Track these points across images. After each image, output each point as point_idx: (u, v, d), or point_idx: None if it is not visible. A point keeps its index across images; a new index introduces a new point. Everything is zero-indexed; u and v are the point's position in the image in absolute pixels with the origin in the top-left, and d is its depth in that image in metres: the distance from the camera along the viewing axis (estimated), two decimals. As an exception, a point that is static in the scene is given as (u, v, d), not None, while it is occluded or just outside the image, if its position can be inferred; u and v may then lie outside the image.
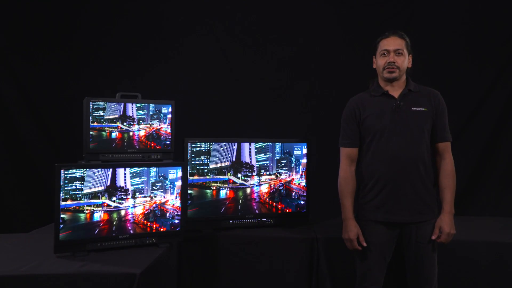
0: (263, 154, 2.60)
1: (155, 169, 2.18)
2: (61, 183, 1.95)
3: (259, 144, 2.60)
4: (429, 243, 2.00)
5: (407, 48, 2.05)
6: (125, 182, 2.11)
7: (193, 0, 3.54)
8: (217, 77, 3.52)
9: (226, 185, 2.53)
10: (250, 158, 2.58)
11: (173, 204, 2.22)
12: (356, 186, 2.10)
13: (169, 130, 2.48)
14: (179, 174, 2.24)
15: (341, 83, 3.37)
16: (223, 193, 2.53)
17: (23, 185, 3.46)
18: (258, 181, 2.59)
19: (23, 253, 2.00)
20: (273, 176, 2.62)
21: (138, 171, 2.14)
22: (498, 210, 3.35)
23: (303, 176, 2.66)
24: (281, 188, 2.63)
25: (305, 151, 2.67)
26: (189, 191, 2.46)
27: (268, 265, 2.40)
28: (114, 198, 2.08)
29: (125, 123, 2.38)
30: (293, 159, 2.65)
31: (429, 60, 3.32)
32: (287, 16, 3.52)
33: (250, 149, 2.58)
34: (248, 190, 2.58)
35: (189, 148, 2.47)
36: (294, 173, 2.65)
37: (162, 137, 2.47)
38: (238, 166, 2.55)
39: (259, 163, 2.59)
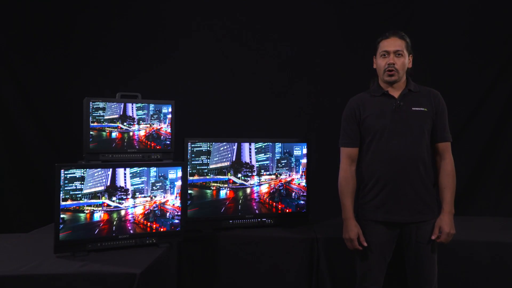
0: (263, 154, 2.60)
1: (155, 169, 2.18)
2: (61, 183, 1.96)
3: (259, 144, 2.60)
4: (429, 243, 2.00)
5: (407, 49, 2.05)
6: (125, 182, 2.11)
7: (193, 0, 3.54)
8: (217, 77, 3.52)
9: (226, 185, 2.53)
10: (250, 158, 2.58)
11: (173, 204, 2.22)
12: (356, 186, 2.10)
13: (169, 130, 2.48)
14: (179, 174, 2.24)
15: (341, 83, 3.37)
16: (223, 193, 2.53)
17: (23, 185, 3.46)
18: (258, 181, 2.59)
19: (23, 253, 2.01)
20: (273, 176, 2.62)
21: (138, 171, 2.14)
22: (498, 210, 3.35)
23: (303, 176, 2.66)
24: (281, 188, 2.63)
25: (305, 151, 2.67)
26: (189, 191, 2.46)
27: (268, 265, 2.40)
28: (114, 198, 2.08)
29: (125, 123, 2.38)
30: (293, 159, 2.65)
31: (429, 60, 3.32)
32: (287, 16, 3.52)
33: (250, 149, 2.58)
34: (248, 190, 2.58)
35: (189, 148, 2.47)
36: (294, 173, 2.65)
37: (162, 137, 2.47)
38: (238, 166, 2.56)
39: (259, 163, 2.59)
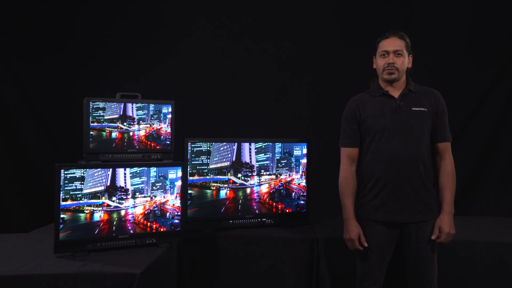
0: (263, 154, 2.60)
1: (155, 169, 2.18)
2: (61, 183, 1.96)
3: (259, 144, 2.60)
4: (429, 243, 2.00)
5: (407, 49, 2.05)
6: (125, 182, 2.11)
7: (193, 0, 3.54)
8: (217, 77, 3.52)
9: (226, 185, 2.53)
10: (250, 158, 2.58)
11: (173, 204, 2.22)
12: (356, 186, 2.10)
13: (169, 130, 2.48)
14: (179, 174, 2.24)
15: (341, 83, 3.37)
16: (223, 193, 2.53)
17: (23, 185, 3.46)
18: (258, 181, 2.59)
19: (23, 253, 2.00)
20: (273, 176, 2.62)
21: (138, 171, 2.14)
22: (498, 210, 3.35)
23: (303, 176, 2.66)
24: (281, 188, 2.63)
25: (305, 151, 2.67)
26: (189, 191, 2.46)
27: (268, 265, 2.40)
28: (114, 198, 2.08)
29: (125, 123, 2.38)
30: (293, 159, 2.65)
31: (429, 60, 3.32)
32: (287, 16, 3.52)
33: (250, 149, 2.58)
34: (248, 190, 2.58)
35: (189, 148, 2.47)
36: (294, 173, 2.65)
37: (162, 137, 2.47)
38: (238, 166, 2.56)
39: (259, 163, 2.59)
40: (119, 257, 1.95)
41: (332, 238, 2.38)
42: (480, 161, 3.39)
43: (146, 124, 2.43)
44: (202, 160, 2.49)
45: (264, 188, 2.61)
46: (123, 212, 2.10)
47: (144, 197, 2.16)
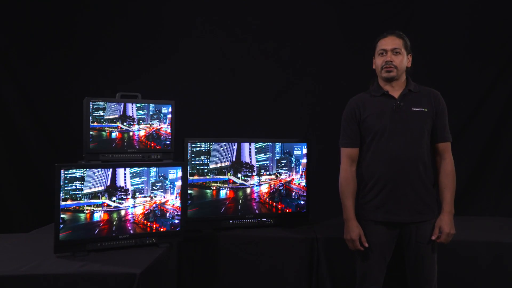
0: (263, 154, 2.60)
1: (155, 169, 2.18)
2: (61, 183, 1.96)
3: (259, 144, 2.60)
4: (429, 243, 2.00)
5: (405, 48, 2.05)
6: (125, 182, 2.11)
7: (194, 0, 3.54)
8: (217, 77, 3.52)
9: (226, 185, 2.53)
10: (250, 158, 2.58)
11: (173, 204, 2.22)
12: (356, 186, 2.10)
13: (169, 130, 2.48)
14: (179, 174, 2.24)
15: (341, 83, 3.37)
16: (223, 193, 2.53)
17: (23, 185, 3.46)
18: (258, 181, 2.59)
19: (23, 253, 2.00)
20: (273, 176, 2.62)
21: (138, 171, 2.14)
22: (498, 210, 3.35)
23: (303, 176, 2.66)
24: (281, 188, 2.63)
25: (305, 151, 2.67)
26: (189, 191, 2.46)
27: (268, 265, 2.40)
28: (114, 198, 2.08)
29: (125, 123, 2.38)
30: (293, 159, 2.65)
31: (429, 60, 3.32)
32: (287, 16, 3.52)
33: (250, 149, 2.58)
34: (248, 190, 2.58)
35: (189, 148, 2.47)
36: (294, 173, 2.65)
37: (162, 137, 2.47)
38: (238, 166, 2.55)
39: (259, 163, 2.59)
40: (119, 257, 1.95)
41: (332, 238, 2.38)
42: (480, 161, 3.39)
43: (146, 124, 2.43)
44: (202, 160, 2.49)
45: (264, 188, 2.61)
46: (123, 212, 2.10)
47: (144, 197, 2.16)
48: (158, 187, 2.19)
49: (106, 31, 3.51)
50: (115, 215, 2.08)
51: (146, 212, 2.16)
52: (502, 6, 3.35)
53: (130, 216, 2.12)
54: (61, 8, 3.48)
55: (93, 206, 2.03)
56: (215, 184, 2.52)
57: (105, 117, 2.33)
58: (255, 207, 2.59)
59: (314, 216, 2.77)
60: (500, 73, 3.37)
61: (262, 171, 2.60)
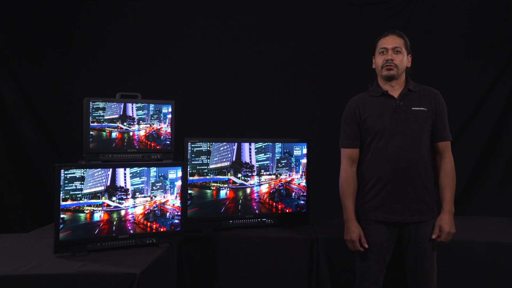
0: (263, 154, 2.60)
1: (155, 169, 2.18)
2: (61, 183, 1.96)
3: (259, 144, 2.60)
4: (428, 243, 2.00)
5: (405, 47, 2.05)
6: (125, 182, 2.11)
7: (193, 0, 3.54)
8: (217, 77, 3.52)
9: (226, 185, 2.53)
10: (250, 158, 2.58)
11: (173, 204, 2.22)
12: (357, 186, 2.10)
13: (169, 130, 2.48)
14: (179, 174, 2.24)
15: (341, 83, 3.37)
16: (223, 193, 2.53)
17: (23, 185, 3.46)
18: (258, 181, 2.59)
19: (23, 253, 2.00)
20: (273, 176, 2.62)
21: (138, 171, 2.14)
22: (498, 210, 3.35)
23: (303, 176, 2.66)
24: (281, 188, 2.63)
25: (305, 151, 2.67)
26: (189, 191, 2.46)
27: (268, 265, 2.40)
28: (114, 198, 2.08)
29: (125, 123, 2.38)
30: (293, 159, 2.65)
31: (429, 60, 3.32)
32: (287, 16, 3.52)
33: (250, 149, 2.58)
34: (248, 190, 2.58)
35: (189, 148, 2.47)
36: (294, 173, 2.65)
37: (162, 137, 2.47)
38: (238, 166, 2.55)
39: (259, 163, 2.59)
40: (119, 257, 1.95)
41: (332, 238, 2.38)
42: (480, 161, 3.39)
43: (146, 124, 2.43)
44: (202, 160, 2.49)
45: (264, 188, 2.61)
46: (123, 212, 2.10)
47: (144, 197, 2.16)
48: (158, 187, 2.19)
49: (106, 31, 3.51)
50: (115, 215, 2.08)
51: (146, 212, 2.16)
52: (502, 6, 3.35)
53: (130, 216, 2.12)
54: (61, 8, 3.48)
55: (93, 206, 2.03)
56: (215, 184, 2.52)
57: (105, 117, 2.33)
58: (255, 207, 2.59)
59: (314, 216, 2.77)
60: (500, 73, 3.37)
61: (262, 171, 2.60)
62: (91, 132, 2.29)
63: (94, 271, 1.78)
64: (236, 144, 2.55)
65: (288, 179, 2.65)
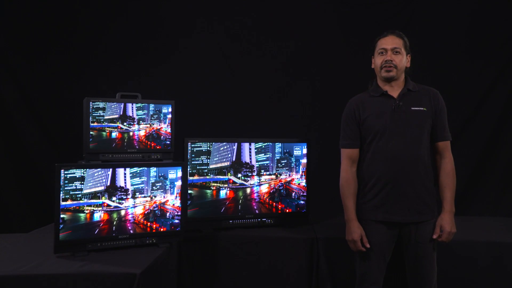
0: (263, 154, 2.60)
1: (155, 169, 2.18)
2: (61, 183, 1.96)
3: (259, 144, 2.60)
4: (429, 243, 2.00)
5: (405, 48, 2.05)
6: (125, 182, 2.11)
7: (193, 0, 3.54)
8: (217, 77, 3.53)
9: (226, 185, 2.53)
10: (250, 158, 2.58)
11: (173, 204, 2.22)
12: (357, 186, 2.10)
13: (169, 130, 2.48)
14: (179, 174, 2.24)
15: (341, 83, 3.37)
16: (223, 193, 2.53)
17: (23, 185, 3.46)
18: (258, 181, 2.59)
19: (23, 253, 2.00)
20: (273, 176, 2.62)
21: (138, 171, 2.14)
22: (498, 210, 3.35)
23: (303, 176, 2.66)
24: (281, 188, 2.63)
25: (305, 151, 2.67)
26: (189, 191, 2.46)
27: (268, 265, 2.40)
28: (114, 198, 2.08)
29: (125, 123, 2.38)
30: (293, 159, 2.65)
31: (429, 60, 3.32)
32: (287, 16, 3.52)
33: (250, 149, 2.58)
34: (248, 190, 2.58)
35: (189, 148, 2.47)
36: (294, 173, 2.65)
37: (162, 137, 2.47)
38: (238, 166, 2.55)
39: (259, 163, 2.59)
40: (119, 257, 1.95)
41: (332, 238, 2.38)
42: (480, 161, 3.40)
43: (146, 124, 2.43)
44: (202, 160, 2.49)
45: (264, 188, 2.61)
46: (123, 212, 2.10)
47: (144, 197, 2.16)
48: (158, 187, 2.19)
49: (106, 31, 3.51)
50: (115, 215, 2.08)
51: (146, 212, 2.16)
52: (502, 6, 3.35)
53: (130, 216, 2.12)
54: (61, 8, 3.48)
55: (93, 206, 2.03)
56: (215, 184, 2.52)
57: (105, 117, 2.33)
58: (255, 207, 2.59)
59: (314, 216, 2.77)
60: (500, 73, 3.37)
61: (262, 171, 2.60)
62: (91, 132, 2.29)
63: (94, 271, 1.78)
64: (236, 144, 2.55)
65: (288, 179, 2.65)
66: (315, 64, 3.51)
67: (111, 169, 2.08)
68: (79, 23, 3.51)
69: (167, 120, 2.47)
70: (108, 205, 2.07)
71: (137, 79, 3.45)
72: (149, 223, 2.16)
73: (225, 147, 2.53)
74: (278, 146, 2.62)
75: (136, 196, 2.14)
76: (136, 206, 2.14)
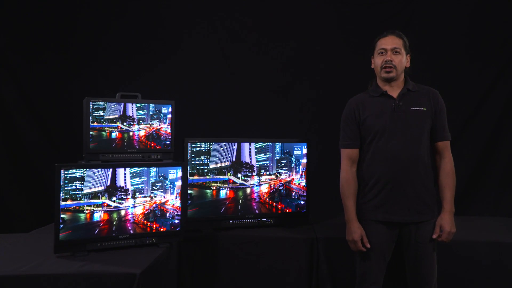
0: (263, 154, 2.60)
1: (155, 169, 2.18)
2: (61, 183, 1.96)
3: (259, 144, 2.60)
4: (429, 243, 2.00)
5: (404, 48, 2.05)
6: (125, 182, 2.11)
7: (193, 0, 3.54)
8: (217, 77, 3.53)
9: (226, 185, 2.53)
10: (250, 158, 2.58)
11: (173, 204, 2.22)
12: (357, 186, 2.10)
13: (169, 130, 2.48)
14: (179, 174, 2.24)
15: (341, 83, 3.37)
16: (223, 193, 2.53)
17: (23, 185, 3.46)
18: (258, 181, 2.59)
19: (23, 253, 2.00)
20: (273, 176, 2.62)
21: (138, 171, 2.14)
22: (498, 210, 3.36)
23: (303, 176, 2.66)
24: (281, 188, 2.63)
25: (305, 151, 2.67)
26: (189, 191, 2.46)
27: (268, 265, 2.40)
28: (114, 198, 2.08)
29: (125, 123, 2.38)
30: (293, 159, 2.65)
31: (429, 60, 3.32)
32: (287, 16, 3.52)
33: (250, 149, 2.58)
34: (248, 190, 2.58)
35: (189, 148, 2.47)
36: (294, 173, 2.65)
37: (162, 137, 2.47)
38: (238, 166, 2.55)
39: (259, 163, 2.59)
40: (119, 257, 1.95)
41: (332, 238, 2.38)
42: (480, 161, 3.40)
43: (146, 124, 2.43)
44: (202, 160, 2.49)
45: (264, 188, 2.61)
46: (123, 212, 2.10)
47: (144, 197, 2.16)
48: (158, 187, 2.19)
49: (106, 31, 3.51)
50: (115, 215, 2.08)
51: (146, 212, 2.16)
52: (502, 6, 3.35)
53: (130, 216, 2.12)
54: (61, 8, 3.48)
55: (93, 206, 2.03)
56: (215, 184, 2.52)
57: (105, 117, 2.33)
58: (255, 207, 2.59)
59: (314, 216, 2.77)
60: (500, 73, 3.37)
61: (262, 171, 2.60)
62: (91, 132, 2.29)
63: (94, 271, 1.78)
64: (236, 144, 2.55)
65: (288, 179, 2.65)
66: (315, 64, 3.51)
67: (111, 169, 2.08)
68: (79, 23, 3.51)
69: (167, 120, 2.47)
70: (108, 205, 2.07)
71: (137, 79, 3.45)
72: (149, 223, 2.16)
73: (225, 147, 2.53)
74: (278, 146, 2.62)
75: (136, 196, 2.14)
76: (136, 206, 2.14)
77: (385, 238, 2.04)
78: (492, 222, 2.78)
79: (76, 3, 3.51)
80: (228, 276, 2.41)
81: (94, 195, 2.03)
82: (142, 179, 2.15)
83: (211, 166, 2.51)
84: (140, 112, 2.42)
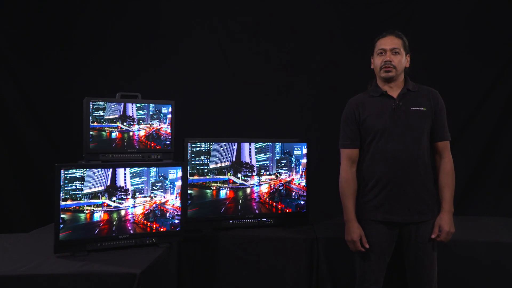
0: (263, 154, 2.60)
1: (155, 169, 2.18)
2: (61, 183, 1.96)
3: (259, 144, 2.60)
4: (429, 243, 2.00)
5: (404, 48, 2.05)
6: (125, 182, 2.11)
7: (193, 0, 3.54)
8: (217, 77, 3.53)
9: (226, 185, 2.53)
10: (250, 158, 2.58)
11: (173, 204, 2.22)
12: (357, 186, 2.10)
13: (169, 130, 2.48)
14: (179, 174, 2.24)
15: (341, 83, 3.37)
16: (223, 193, 2.53)
17: (23, 185, 3.46)
18: (258, 181, 2.59)
19: (23, 253, 2.00)
20: (273, 176, 2.62)
21: (138, 171, 2.14)
22: (498, 210, 3.35)
23: (303, 176, 2.66)
24: (281, 188, 2.63)
25: (305, 151, 2.67)
26: (189, 191, 2.46)
27: (268, 265, 2.40)
28: (114, 198, 2.08)
29: (125, 123, 2.38)
30: (293, 159, 2.65)
31: (429, 60, 3.32)
32: (287, 16, 3.52)
33: (250, 149, 2.58)
34: (248, 190, 2.58)
35: (189, 148, 2.47)
36: (294, 173, 2.65)
37: (162, 137, 2.47)
38: (238, 166, 2.56)
39: (259, 163, 2.59)
40: (119, 257, 1.95)
41: (332, 238, 2.38)
42: (480, 161, 3.39)
43: (146, 124, 2.43)
44: (202, 160, 2.49)
45: (264, 188, 2.61)
46: (123, 212, 2.10)
47: (144, 197, 2.16)
48: (158, 187, 2.19)
49: (106, 31, 3.51)
50: (115, 215, 2.08)
51: (146, 212, 2.16)
52: (502, 6, 3.35)
53: (130, 216, 2.12)
54: (61, 8, 3.49)
55: (93, 206, 2.03)
56: (215, 184, 2.52)
57: (105, 117, 2.33)
58: (255, 207, 2.59)
59: (314, 216, 2.77)
60: (500, 73, 3.37)
61: (262, 171, 2.60)
62: (91, 132, 2.29)
63: (94, 271, 1.78)
64: (236, 144, 2.55)
65: (288, 179, 2.65)
66: (315, 64, 3.51)
67: (111, 169, 2.08)
68: (79, 23, 3.51)
69: (167, 120, 2.47)
70: (108, 205, 2.07)
71: (137, 79, 3.45)
72: (149, 223, 2.16)
73: (225, 147, 2.53)
74: (278, 146, 2.62)
75: (136, 196, 2.14)
76: (136, 206, 2.14)
77: (385, 238, 2.04)
78: (492, 222, 2.78)
79: (76, 3, 3.51)
80: (228, 276, 2.41)
81: (94, 195, 2.03)
82: (142, 179, 2.15)
83: (211, 166, 2.51)
84: (140, 112, 2.42)
